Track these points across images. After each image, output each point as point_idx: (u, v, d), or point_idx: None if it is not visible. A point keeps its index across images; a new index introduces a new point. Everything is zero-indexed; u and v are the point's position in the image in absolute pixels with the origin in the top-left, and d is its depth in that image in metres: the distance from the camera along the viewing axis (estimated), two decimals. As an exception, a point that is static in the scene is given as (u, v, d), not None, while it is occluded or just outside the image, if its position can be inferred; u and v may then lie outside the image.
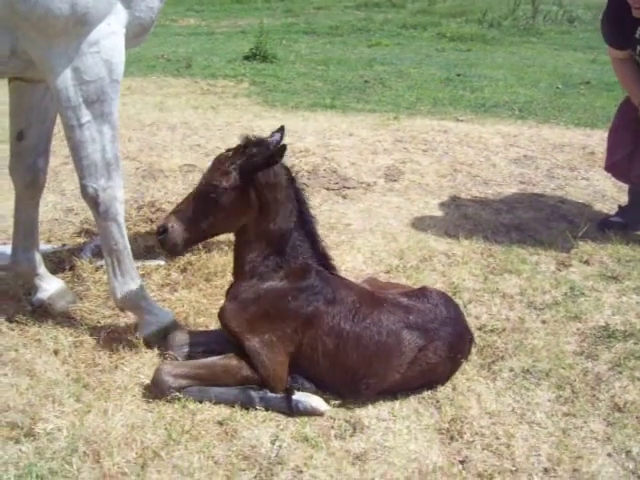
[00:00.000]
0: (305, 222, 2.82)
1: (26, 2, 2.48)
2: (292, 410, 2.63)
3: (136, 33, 2.80)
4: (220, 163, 2.70)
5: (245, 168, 2.64)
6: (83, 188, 2.92)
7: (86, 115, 2.74)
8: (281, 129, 2.90)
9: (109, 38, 2.66)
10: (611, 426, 2.66)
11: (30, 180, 3.26)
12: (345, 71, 10.36)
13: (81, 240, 4.28)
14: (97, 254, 4.03)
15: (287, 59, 11.33)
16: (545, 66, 11.36)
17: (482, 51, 13.12)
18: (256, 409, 2.66)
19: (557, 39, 15.20)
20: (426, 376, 2.78)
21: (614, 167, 4.53)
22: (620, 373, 2.99)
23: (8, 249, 4.04)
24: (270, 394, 2.68)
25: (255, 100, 8.11)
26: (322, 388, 2.77)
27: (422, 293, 2.93)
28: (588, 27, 17.68)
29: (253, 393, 2.68)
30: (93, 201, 2.91)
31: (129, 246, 3.07)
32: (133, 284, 3.08)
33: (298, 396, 2.66)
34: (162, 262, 3.94)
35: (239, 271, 2.82)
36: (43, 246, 3.82)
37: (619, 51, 4.24)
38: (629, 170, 4.41)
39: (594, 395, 2.84)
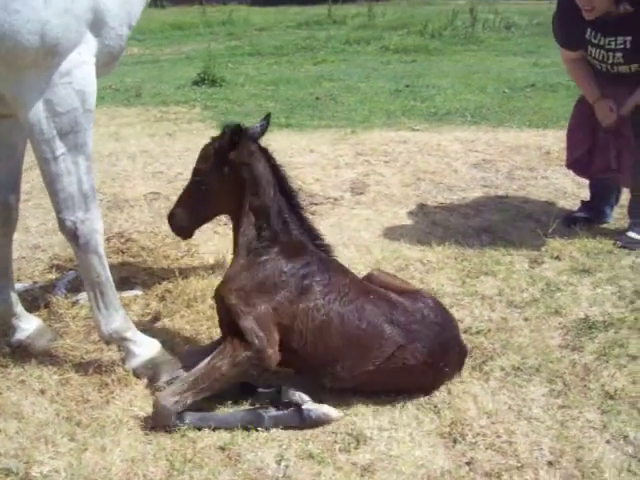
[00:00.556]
0: (288, 197, 2.95)
1: None
2: (305, 421, 2.62)
3: (106, 62, 2.77)
4: (203, 150, 2.96)
5: (218, 151, 2.86)
6: (61, 222, 2.86)
7: (60, 147, 2.69)
8: (267, 116, 3.04)
9: (80, 68, 2.62)
10: (606, 414, 2.71)
11: (2, 218, 3.18)
12: (295, 90, 10.42)
13: (52, 277, 4.20)
14: (71, 289, 3.99)
15: (236, 82, 11.34)
16: (489, 72, 11.62)
17: (426, 61, 13.36)
18: (257, 430, 2.63)
19: (497, 45, 15.58)
20: (403, 378, 2.78)
21: (575, 164, 4.66)
22: (607, 362, 3.06)
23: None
24: (279, 411, 2.67)
25: (210, 124, 8.09)
26: (304, 372, 2.87)
27: (415, 295, 2.96)
28: (525, 32, 18.18)
29: (261, 412, 2.65)
30: (72, 234, 2.86)
31: (111, 277, 3.02)
32: (117, 316, 3.03)
33: (308, 406, 2.65)
34: (139, 292, 3.90)
35: (235, 250, 2.94)
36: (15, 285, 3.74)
37: (571, 52, 4.37)
38: (589, 166, 4.54)
39: (585, 385, 2.90)
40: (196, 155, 5.46)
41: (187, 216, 3.00)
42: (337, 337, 2.73)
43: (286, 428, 2.66)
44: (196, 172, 2.96)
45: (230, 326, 2.78)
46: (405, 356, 2.75)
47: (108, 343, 3.19)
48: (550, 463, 2.46)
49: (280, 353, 2.75)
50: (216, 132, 7.67)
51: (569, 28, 4.22)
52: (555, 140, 6.53)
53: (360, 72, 12.07)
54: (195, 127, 7.98)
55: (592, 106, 4.36)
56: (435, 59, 13.61)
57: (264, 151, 2.93)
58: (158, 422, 2.67)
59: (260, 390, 2.84)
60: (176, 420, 2.64)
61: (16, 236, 4.67)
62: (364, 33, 17.85)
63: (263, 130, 2.98)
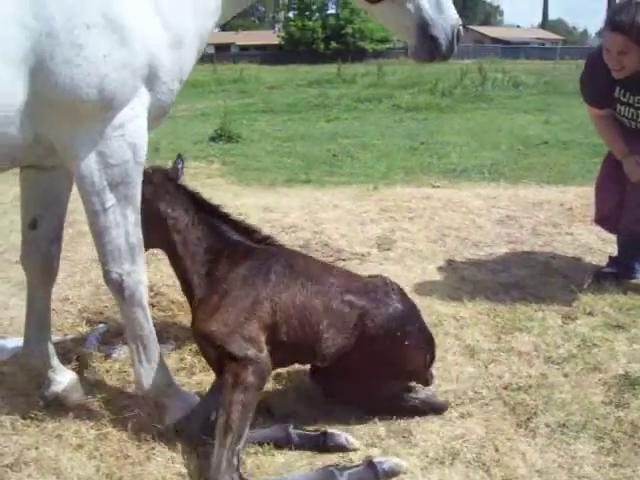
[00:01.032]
0: (212, 212, 3.07)
1: (53, 89, 2.46)
2: (378, 475, 2.58)
3: (157, 115, 2.82)
4: None
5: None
6: (106, 274, 2.86)
7: (110, 199, 2.72)
8: (179, 156, 3.17)
9: (133, 121, 2.67)
10: (659, 473, 2.67)
11: (44, 268, 3.21)
12: (311, 146, 10.58)
13: (82, 329, 4.19)
14: (102, 343, 3.98)
15: (252, 138, 11.54)
16: (502, 129, 11.80)
17: (439, 119, 13.58)
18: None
19: (507, 103, 15.87)
20: (371, 350, 2.87)
21: (603, 220, 4.67)
22: (653, 419, 3.02)
23: (7, 343, 3.99)
24: (352, 467, 2.62)
25: (230, 179, 8.20)
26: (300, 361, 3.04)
27: (375, 277, 3.16)
28: (532, 91, 18.57)
29: (334, 470, 2.59)
30: (118, 286, 2.86)
31: (154, 331, 3.02)
32: (159, 370, 3.02)
33: (378, 459, 2.64)
34: (172, 346, 3.88)
35: (189, 287, 3.02)
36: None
37: (599, 110, 4.44)
38: (617, 221, 4.56)
39: (635, 443, 2.84)
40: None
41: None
42: (317, 313, 2.84)
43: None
44: None
45: (219, 358, 2.82)
46: (367, 323, 2.86)
47: (147, 397, 3.15)
48: (608, 523, 2.40)
49: (273, 352, 2.82)
50: (236, 187, 7.81)
51: (597, 86, 4.30)
52: (576, 197, 6.59)
53: (374, 129, 12.26)
54: (216, 182, 8.06)
55: (620, 162, 4.40)
56: (447, 117, 13.83)
57: (179, 187, 3.05)
58: None
59: (299, 434, 2.83)
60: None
61: (45, 288, 4.77)
62: (375, 91, 18.23)
63: (179, 172, 3.09)
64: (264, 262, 2.94)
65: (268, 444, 2.83)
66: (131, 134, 2.68)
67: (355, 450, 2.79)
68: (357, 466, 2.63)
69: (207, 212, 3.07)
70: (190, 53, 2.81)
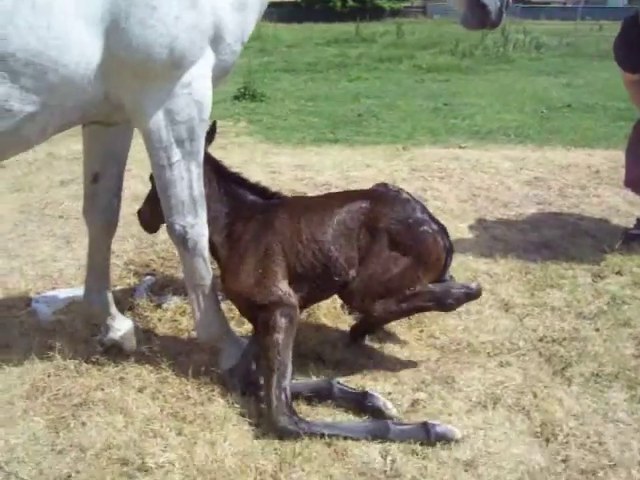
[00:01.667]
0: (231, 179, 3.31)
1: (127, 49, 2.58)
2: (430, 437, 2.68)
3: (219, 75, 2.95)
4: None
5: None
6: (170, 226, 3.02)
7: (176, 155, 2.87)
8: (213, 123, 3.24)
9: (199, 80, 2.80)
10: (689, 420, 2.85)
11: (105, 221, 3.36)
12: (335, 106, 10.64)
13: (129, 281, 4.37)
14: (152, 293, 4.17)
15: (275, 97, 11.59)
16: (525, 91, 11.79)
17: (460, 80, 13.56)
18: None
19: (529, 65, 15.78)
20: (390, 247, 2.99)
21: (633, 183, 4.79)
22: (682, 372, 3.20)
23: (60, 293, 4.18)
24: (406, 424, 2.77)
25: (258, 138, 8.31)
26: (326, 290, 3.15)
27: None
28: (554, 52, 18.40)
29: (389, 424, 2.75)
30: (181, 238, 3.03)
31: (213, 280, 3.19)
32: (217, 317, 3.20)
33: (432, 422, 2.73)
34: (220, 296, 4.06)
35: (214, 250, 3.23)
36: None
37: (632, 74, 4.52)
38: (647, 184, 4.68)
39: (665, 393, 3.04)
40: (255, 168, 5.77)
41: (151, 214, 3.40)
42: (325, 239, 3.04)
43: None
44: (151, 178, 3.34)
45: (250, 310, 3.05)
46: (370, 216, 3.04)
47: (206, 343, 3.34)
48: (641, 463, 2.60)
49: (298, 289, 3.04)
50: (266, 146, 7.92)
51: (632, 51, 4.37)
52: (602, 159, 6.70)
53: (396, 90, 12.28)
54: (244, 140, 8.18)
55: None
56: (468, 78, 13.80)
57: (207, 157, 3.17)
58: (288, 433, 2.76)
59: (341, 389, 2.96)
60: (301, 425, 2.75)
61: (90, 242, 4.96)
62: (395, 51, 18.11)
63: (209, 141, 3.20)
64: (270, 213, 3.16)
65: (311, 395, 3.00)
66: (197, 92, 2.81)
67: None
68: (411, 424, 2.77)
69: (227, 179, 3.29)
70: (252, 16, 2.93)
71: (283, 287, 3.00)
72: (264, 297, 2.97)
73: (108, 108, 2.85)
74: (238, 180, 3.33)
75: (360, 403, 2.89)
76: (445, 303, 3.04)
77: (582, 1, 45.12)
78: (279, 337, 2.88)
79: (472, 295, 3.11)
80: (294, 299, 3.00)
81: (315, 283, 3.08)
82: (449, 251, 3.13)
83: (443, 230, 3.14)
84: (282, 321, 2.91)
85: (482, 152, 7.05)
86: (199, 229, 3.04)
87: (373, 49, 19.24)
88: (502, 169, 6.47)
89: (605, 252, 4.55)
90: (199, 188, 3.00)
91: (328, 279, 3.06)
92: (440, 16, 40.10)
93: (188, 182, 2.95)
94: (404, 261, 2.99)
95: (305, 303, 3.15)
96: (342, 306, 3.78)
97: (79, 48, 2.52)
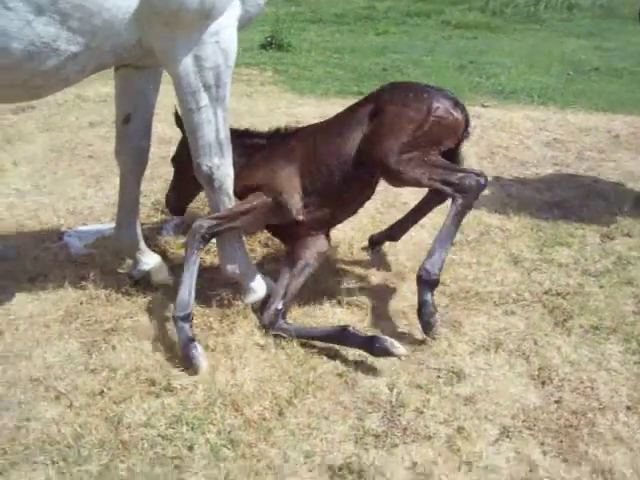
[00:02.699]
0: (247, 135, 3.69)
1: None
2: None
3: (243, 24, 3.10)
4: (179, 143, 3.86)
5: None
6: (198, 166, 3.21)
7: (204, 99, 3.03)
8: None
9: (226, 30, 2.95)
10: (678, 371, 3.04)
11: (136, 160, 3.54)
12: (361, 59, 10.65)
13: (156, 220, 4.58)
14: (178, 232, 4.38)
15: (301, 47, 11.58)
16: (552, 53, 11.69)
17: (488, 39, 13.43)
18: (369, 362, 3.01)
19: (559, 26, 15.53)
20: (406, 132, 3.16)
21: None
22: (679, 331, 3.38)
23: (90, 228, 4.41)
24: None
25: (283, 88, 8.40)
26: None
27: None
28: (586, 14, 18.03)
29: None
30: (208, 178, 3.21)
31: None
32: (242, 254, 3.41)
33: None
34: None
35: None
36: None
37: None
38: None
39: (658, 346, 3.22)
40: (279, 117, 5.95)
41: (176, 198, 3.88)
42: (336, 150, 3.32)
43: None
44: (174, 160, 3.86)
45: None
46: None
47: (230, 278, 3.54)
48: (628, 407, 2.81)
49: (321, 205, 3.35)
50: (291, 96, 8.02)
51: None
52: (624, 125, 6.76)
53: (422, 45, 12.23)
54: (269, 89, 8.28)
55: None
56: (497, 37, 13.67)
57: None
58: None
59: (354, 334, 3.11)
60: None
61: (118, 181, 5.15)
62: (424, 6, 17.83)
63: None
64: (283, 141, 3.51)
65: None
66: (224, 41, 2.97)
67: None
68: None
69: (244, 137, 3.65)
70: None
71: (295, 191, 3.36)
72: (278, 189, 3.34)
73: (140, 52, 3.01)
74: (253, 134, 3.73)
75: (371, 346, 3.02)
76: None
77: (619, -39, 43.81)
78: (255, 205, 3.32)
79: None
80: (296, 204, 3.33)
81: (335, 195, 3.35)
82: (463, 118, 3.30)
83: (455, 101, 3.31)
84: (267, 203, 3.33)
85: (504, 112, 7.12)
86: (225, 169, 3.22)
87: (402, 2, 18.94)
88: (522, 129, 6.55)
89: (616, 214, 4.68)
90: (225, 131, 3.16)
91: (356, 184, 3.36)
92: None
93: (215, 125, 3.11)
94: (417, 121, 3.18)
95: (334, 221, 3.49)
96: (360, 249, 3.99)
97: None
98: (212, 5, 2.84)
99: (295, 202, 3.32)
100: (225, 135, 3.18)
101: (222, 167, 3.21)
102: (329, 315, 3.41)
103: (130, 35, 2.85)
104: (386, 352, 2.98)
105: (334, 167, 3.29)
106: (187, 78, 2.99)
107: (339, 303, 3.51)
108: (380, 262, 3.95)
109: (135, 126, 3.49)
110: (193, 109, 3.07)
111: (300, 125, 3.77)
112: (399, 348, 3.00)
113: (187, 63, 2.95)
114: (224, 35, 2.97)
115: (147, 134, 3.55)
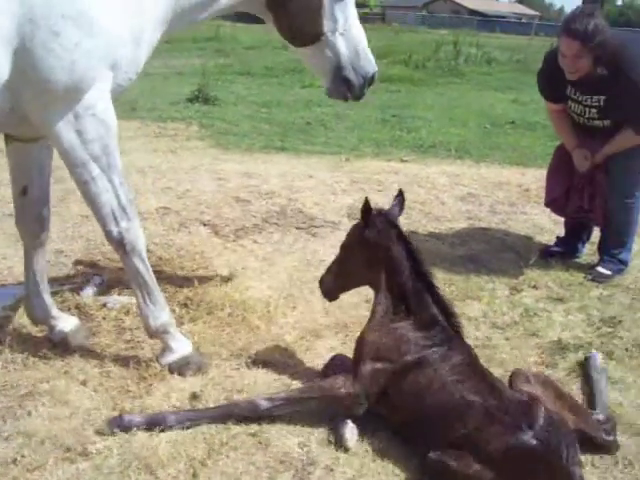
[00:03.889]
0: (424, 277, 3.17)
1: (31, 69, 2.79)
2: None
3: (115, 96, 3.14)
4: (351, 228, 3.34)
5: (356, 230, 3.23)
6: (108, 234, 3.23)
7: (95, 169, 3.07)
8: (400, 193, 3.40)
9: (100, 102, 3.00)
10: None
11: (37, 229, 3.56)
12: (287, 113, 10.93)
13: (77, 280, 4.57)
14: (98, 293, 4.38)
15: (228, 101, 11.80)
16: (471, 106, 12.26)
17: (411, 92, 13.99)
18: (282, 422, 3.08)
19: (479, 79, 16.31)
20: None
21: (552, 203, 5.20)
22: (576, 378, 3.59)
23: (9, 290, 4.37)
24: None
25: (209, 143, 8.55)
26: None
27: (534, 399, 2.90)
28: (504, 68, 18.99)
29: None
30: (119, 243, 3.24)
31: (154, 278, 3.43)
32: (164, 312, 3.44)
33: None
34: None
35: (372, 314, 3.20)
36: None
37: (554, 104, 4.93)
38: (565, 206, 5.09)
39: (558, 397, 3.40)
40: (203, 173, 5.99)
41: (334, 282, 3.36)
42: (433, 407, 2.88)
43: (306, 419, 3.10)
44: (342, 247, 3.31)
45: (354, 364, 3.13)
46: (482, 435, 2.71)
47: (153, 337, 3.55)
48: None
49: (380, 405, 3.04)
50: (215, 151, 8.16)
51: (553, 84, 4.77)
52: (534, 179, 7.13)
53: (347, 99, 12.62)
54: (194, 145, 8.41)
55: (570, 153, 4.91)
56: (419, 90, 14.25)
57: (400, 233, 3.18)
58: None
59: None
60: None
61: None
62: (350, 59, 18.39)
63: (400, 210, 3.32)
64: (429, 340, 3.01)
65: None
66: (101, 112, 3.02)
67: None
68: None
69: (419, 273, 3.15)
70: (148, 48, 3.17)
71: (372, 395, 3.01)
72: (360, 377, 3.00)
73: (14, 120, 3.04)
74: (433, 292, 3.17)
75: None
76: None
77: (537, 17, 46.26)
78: (323, 395, 3.05)
79: None
80: (360, 407, 3.02)
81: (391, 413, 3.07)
82: None
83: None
84: (339, 397, 3.02)
85: (422, 167, 7.43)
86: (134, 232, 3.25)
87: (329, 56, 19.52)
88: (438, 184, 6.85)
89: (524, 267, 4.94)
90: (125, 195, 3.18)
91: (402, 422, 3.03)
92: (399, 24, 40.78)
93: (113, 192, 3.14)
94: None
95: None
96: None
97: None
98: (81, 77, 2.89)
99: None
100: (126, 198, 3.21)
101: (131, 230, 3.25)
102: (246, 377, 3.47)
103: (3, 103, 2.89)
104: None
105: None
106: (73, 152, 3.03)
107: (254, 363, 3.58)
108: (296, 321, 4.05)
109: (33, 196, 3.52)
110: (88, 180, 3.10)
111: (226, 186, 3.76)
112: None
113: (70, 138, 2.99)
114: (100, 107, 3.02)
115: (47, 202, 3.58)
